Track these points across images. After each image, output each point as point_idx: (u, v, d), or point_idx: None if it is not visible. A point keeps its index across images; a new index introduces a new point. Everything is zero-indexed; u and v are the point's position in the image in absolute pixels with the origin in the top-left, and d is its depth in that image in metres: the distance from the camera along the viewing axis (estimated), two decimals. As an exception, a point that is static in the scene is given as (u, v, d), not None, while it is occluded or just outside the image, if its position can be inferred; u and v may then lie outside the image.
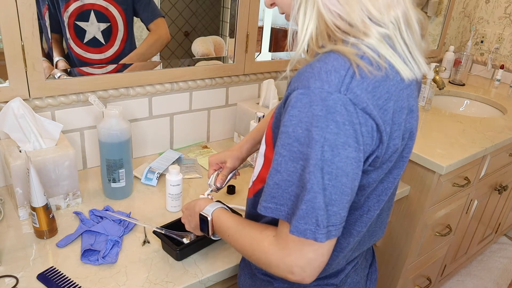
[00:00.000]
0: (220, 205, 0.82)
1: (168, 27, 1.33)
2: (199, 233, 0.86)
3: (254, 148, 1.02)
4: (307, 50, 0.65)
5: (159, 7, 1.29)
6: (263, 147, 0.74)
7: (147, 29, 1.28)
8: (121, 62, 1.26)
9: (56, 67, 1.15)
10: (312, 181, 0.58)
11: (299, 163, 0.59)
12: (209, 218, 0.79)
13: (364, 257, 0.86)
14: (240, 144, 1.02)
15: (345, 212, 0.61)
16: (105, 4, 1.16)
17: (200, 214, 0.81)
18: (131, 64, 1.27)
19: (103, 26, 1.19)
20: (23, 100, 1.05)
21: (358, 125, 0.57)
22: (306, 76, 0.58)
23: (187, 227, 0.89)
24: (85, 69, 1.20)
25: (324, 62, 0.58)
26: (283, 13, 0.72)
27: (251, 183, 0.79)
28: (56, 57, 1.15)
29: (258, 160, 0.75)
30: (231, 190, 1.23)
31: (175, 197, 1.10)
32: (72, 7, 1.12)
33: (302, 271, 0.61)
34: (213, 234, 0.81)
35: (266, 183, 0.63)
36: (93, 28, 1.18)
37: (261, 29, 1.56)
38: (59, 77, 1.14)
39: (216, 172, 1.01)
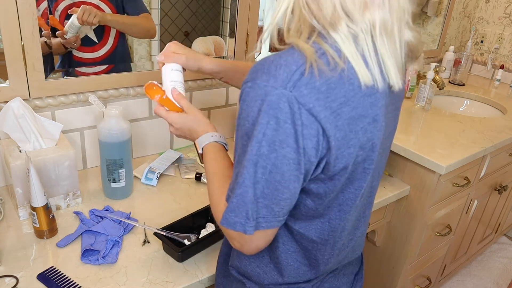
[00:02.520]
0: (213, 139, 0.79)
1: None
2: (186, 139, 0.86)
3: (219, 68, 0.93)
4: (278, 38, 0.63)
5: (159, 7, 1.29)
6: None
7: None
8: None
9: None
10: (244, 175, 0.58)
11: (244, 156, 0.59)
12: (199, 152, 0.79)
13: (350, 263, 0.84)
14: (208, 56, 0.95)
15: (280, 208, 0.61)
16: (95, 1, 1.16)
17: (195, 144, 0.81)
18: (126, 54, 1.26)
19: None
20: (23, 100, 1.05)
21: (300, 126, 0.55)
22: (256, 69, 0.58)
23: (172, 132, 0.85)
24: (81, 69, 1.20)
25: (279, 56, 0.57)
26: None
27: None
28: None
29: None
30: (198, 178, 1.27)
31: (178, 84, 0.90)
32: (62, 5, 1.11)
33: (240, 246, 0.66)
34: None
35: (233, 172, 0.64)
36: (85, 27, 1.17)
37: (261, 29, 1.56)
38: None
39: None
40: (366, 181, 0.67)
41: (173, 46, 0.91)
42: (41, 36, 1.06)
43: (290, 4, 0.60)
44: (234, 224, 0.61)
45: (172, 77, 0.87)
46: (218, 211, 0.67)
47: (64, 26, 1.13)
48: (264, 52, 1.63)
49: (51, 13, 1.11)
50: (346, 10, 0.57)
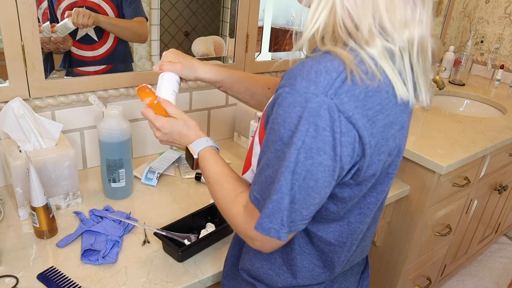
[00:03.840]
0: (208, 144, 0.77)
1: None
2: (166, 144, 0.82)
3: (217, 77, 0.91)
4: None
5: (159, 7, 1.29)
6: (257, 147, 0.73)
7: None
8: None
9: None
10: (281, 182, 0.58)
11: (280, 162, 0.59)
12: (195, 157, 0.76)
13: (357, 262, 0.85)
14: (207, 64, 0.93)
15: (308, 212, 0.61)
16: (97, 0, 1.16)
17: (188, 149, 0.77)
18: (125, 55, 1.27)
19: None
20: (23, 100, 1.05)
21: (339, 134, 0.55)
22: (294, 74, 0.56)
23: (157, 137, 0.81)
24: (81, 68, 1.20)
25: (317, 62, 0.56)
26: None
27: (250, 180, 0.78)
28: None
29: (253, 159, 0.75)
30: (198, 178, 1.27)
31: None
32: (65, 3, 1.12)
33: (261, 245, 0.65)
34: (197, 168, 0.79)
35: (258, 174, 0.63)
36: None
37: (261, 29, 1.56)
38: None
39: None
40: (389, 186, 0.69)
41: (169, 55, 0.89)
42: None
43: (323, 22, 0.58)
44: (269, 230, 0.60)
45: (165, 86, 0.86)
46: (235, 213, 0.67)
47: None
48: (264, 52, 1.63)
49: (53, 12, 1.11)
50: (384, 31, 0.57)
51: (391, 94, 0.58)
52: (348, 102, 0.54)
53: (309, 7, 0.60)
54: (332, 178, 0.58)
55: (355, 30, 0.57)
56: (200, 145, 0.77)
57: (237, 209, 0.67)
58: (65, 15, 1.13)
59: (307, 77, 0.55)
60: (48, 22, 1.12)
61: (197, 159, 0.76)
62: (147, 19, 1.28)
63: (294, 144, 0.56)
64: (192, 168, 0.79)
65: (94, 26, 1.19)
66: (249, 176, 0.78)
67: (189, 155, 0.78)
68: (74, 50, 1.18)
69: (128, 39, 1.29)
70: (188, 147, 0.78)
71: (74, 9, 1.13)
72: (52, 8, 1.11)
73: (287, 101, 0.56)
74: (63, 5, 1.12)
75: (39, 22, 1.04)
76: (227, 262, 0.86)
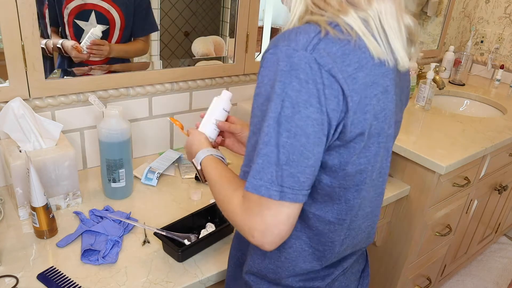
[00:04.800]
0: (209, 152, 0.80)
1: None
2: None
3: None
4: None
5: (159, 7, 1.29)
6: None
7: (136, 38, 1.29)
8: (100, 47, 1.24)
9: (64, 51, 1.16)
10: (270, 134, 0.58)
11: (264, 118, 0.59)
12: (198, 168, 0.80)
13: (357, 261, 0.84)
14: None
15: (305, 178, 0.60)
16: (107, 6, 1.17)
17: (192, 162, 0.82)
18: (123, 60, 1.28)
19: (102, 28, 1.19)
20: (23, 100, 1.05)
21: (322, 85, 0.57)
22: (277, 39, 0.60)
23: (187, 155, 0.90)
24: (82, 69, 1.20)
25: (297, 27, 0.60)
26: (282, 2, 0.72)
27: None
28: (60, 40, 1.16)
29: None
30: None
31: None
32: (73, 4, 1.12)
33: (261, 236, 0.62)
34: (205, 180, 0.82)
35: (246, 147, 0.63)
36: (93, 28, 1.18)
37: (261, 29, 1.56)
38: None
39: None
40: (380, 156, 0.69)
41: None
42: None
43: (302, 9, 0.64)
44: (260, 188, 0.59)
45: (207, 114, 0.93)
46: (234, 205, 0.65)
47: (72, 26, 1.15)
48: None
49: (60, 13, 1.11)
50: (352, 2, 0.62)
51: (369, 55, 0.61)
52: (327, 57, 0.57)
53: (289, 8, 0.67)
54: (323, 133, 0.59)
55: (327, 5, 0.62)
56: (201, 156, 0.80)
57: (236, 200, 0.65)
58: (73, 17, 1.14)
59: (288, 37, 0.59)
60: (86, 41, 1.16)
61: (201, 169, 0.79)
62: (157, 30, 1.31)
63: (277, 94, 0.57)
64: (202, 181, 0.81)
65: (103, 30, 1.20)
66: None
67: (195, 168, 0.82)
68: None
69: (133, 57, 1.33)
70: (192, 161, 0.82)
71: (93, 41, 1.18)
72: (59, 7, 1.11)
73: (271, 60, 0.59)
74: (72, 5, 1.12)
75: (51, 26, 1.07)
76: (230, 263, 0.87)
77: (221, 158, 0.81)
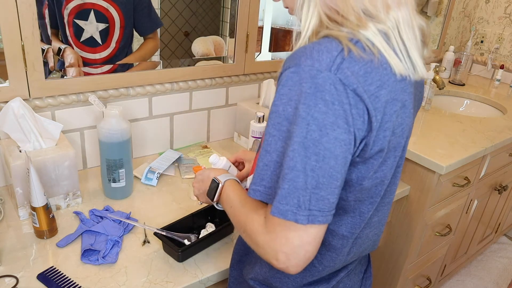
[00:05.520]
0: (234, 177, 0.81)
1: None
2: (204, 199, 0.86)
3: None
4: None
5: (159, 7, 1.29)
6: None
7: (144, 37, 1.29)
8: (121, 62, 1.26)
9: (61, 55, 1.15)
10: (295, 158, 0.56)
11: (287, 141, 0.58)
12: (220, 185, 0.78)
13: (359, 262, 0.85)
14: None
15: (334, 198, 0.59)
16: (106, 5, 1.17)
17: (214, 179, 0.80)
18: (127, 64, 1.28)
19: (101, 26, 1.19)
20: (23, 100, 1.05)
21: (348, 105, 0.56)
22: (298, 55, 0.58)
23: (195, 192, 0.89)
24: (83, 69, 1.20)
25: (318, 43, 0.59)
26: (286, 7, 0.71)
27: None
28: (63, 45, 1.16)
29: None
30: None
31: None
32: (72, 4, 1.12)
33: (286, 258, 0.59)
34: (218, 202, 0.80)
35: (256, 165, 0.62)
36: (92, 28, 1.18)
37: (261, 29, 1.56)
38: (65, 68, 1.15)
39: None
40: (395, 167, 0.69)
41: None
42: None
43: (315, 22, 0.63)
44: (286, 212, 0.57)
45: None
46: (256, 226, 0.63)
47: (72, 25, 1.15)
48: (264, 52, 1.63)
49: (60, 13, 1.11)
50: (370, 15, 0.60)
51: (390, 71, 0.60)
52: (351, 76, 0.56)
53: (300, 20, 0.65)
54: (349, 153, 0.58)
55: (345, 20, 0.61)
56: (225, 177, 0.80)
57: (258, 221, 0.63)
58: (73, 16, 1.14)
59: (311, 56, 0.57)
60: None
61: (223, 186, 0.79)
62: (162, 25, 1.31)
63: (303, 118, 0.56)
64: (213, 200, 0.81)
65: (100, 30, 1.19)
66: None
67: (214, 186, 0.81)
68: (77, 51, 1.18)
69: (150, 58, 1.34)
70: (214, 178, 0.81)
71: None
72: (58, 8, 1.11)
73: (293, 80, 0.57)
74: (71, 5, 1.12)
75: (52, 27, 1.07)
76: (234, 267, 0.87)
77: (239, 182, 0.81)
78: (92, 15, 1.17)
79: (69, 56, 1.16)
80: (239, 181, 0.81)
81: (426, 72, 0.66)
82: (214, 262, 0.95)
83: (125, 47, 1.27)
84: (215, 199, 0.79)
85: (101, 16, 1.18)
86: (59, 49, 1.15)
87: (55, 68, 1.15)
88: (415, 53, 0.63)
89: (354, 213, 0.68)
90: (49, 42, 1.11)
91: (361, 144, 0.60)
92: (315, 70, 0.56)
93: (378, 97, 0.59)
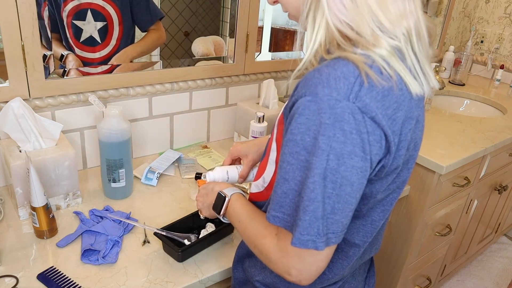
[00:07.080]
0: (240, 190, 0.82)
1: (167, 27, 1.33)
2: (207, 213, 0.87)
3: None
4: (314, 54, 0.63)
5: (159, 7, 1.29)
6: (273, 154, 0.73)
7: (145, 31, 1.28)
8: (120, 52, 1.25)
9: (64, 61, 1.15)
10: (316, 190, 0.57)
11: (306, 172, 0.58)
12: (227, 198, 0.79)
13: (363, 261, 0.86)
14: (261, 140, 0.98)
15: (347, 220, 0.60)
16: (101, 3, 1.16)
17: (220, 193, 0.81)
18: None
19: (99, 25, 1.19)
20: (23, 100, 1.05)
21: (366, 134, 0.56)
22: (314, 82, 0.57)
23: (199, 206, 0.89)
24: (83, 69, 1.20)
25: (333, 68, 0.57)
26: (286, 11, 0.71)
27: (261, 188, 0.79)
28: (65, 51, 1.16)
29: (269, 167, 0.75)
30: None
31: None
32: (70, 6, 1.12)
33: (299, 273, 0.61)
34: (224, 216, 0.81)
35: (274, 191, 0.62)
36: (90, 27, 1.18)
37: (261, 29, 1.56)
38: (68, 72, 1.15)
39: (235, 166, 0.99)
40: (407, 179, 0.70)
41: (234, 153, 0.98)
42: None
43: (323, 39, 0.61)
44: (307, 242, 0.58)
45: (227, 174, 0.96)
46: (267, 242, 0.65)
47: (71, 27, 1.15)
48: (264, 52, 1.63)
49: (59, 16, 1.11)
50: (387, 32, 0.59)
51: (406, 91, 0.60)
52: (370, 104, 0.56)
53: (305, 29, 0.63)
54: (365, 179, 0.59)
55: (359, 36, 0.58)
56: (232, 190, 0.81)
57: (270, 238, 0.65)
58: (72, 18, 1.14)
59: (328, 84, 0.56)
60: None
61: (229, 200, 0.79)
62: (163, 16, 1.29)
63: (322, 150, 0.56)
64: (219, 214, 0.81)
65: (98, 29, 1.19)
66: (260, 183, 0.78)
67: (220, 200, 0.81)
68: (78, 52, 1.18)
69: (152, 50, 1.33)
70: (220, 192, 0.81)
71: (114, 58, 1.18)
72: (57, 11, 1.11)
73: (311, 109, 0.56)
74: (69, 7, 1.12)
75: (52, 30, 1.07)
76: (238, 269, 0.87)
77: (244, 195, 0.82)
78: (89, 15, 1.16)
79: (71, 63, 1.16)
80: (244, 194, 0.82)
81: (437, 82, 0.66)
82: (214, 262, 0.95)
83: (126, 44, 1.26)
84: (221, 213, 0.80)
85: (98, 15, 1.18)
86: (62, 56, 1.15)
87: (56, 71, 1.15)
88: (427, 65, 0.63)
89: (366, 221, 0.69)
90: (49, 46, 1.11)
91: (378, 166, 0.61)
92: (334, 100, 0.55)
93: (395, 120, 0.59)
